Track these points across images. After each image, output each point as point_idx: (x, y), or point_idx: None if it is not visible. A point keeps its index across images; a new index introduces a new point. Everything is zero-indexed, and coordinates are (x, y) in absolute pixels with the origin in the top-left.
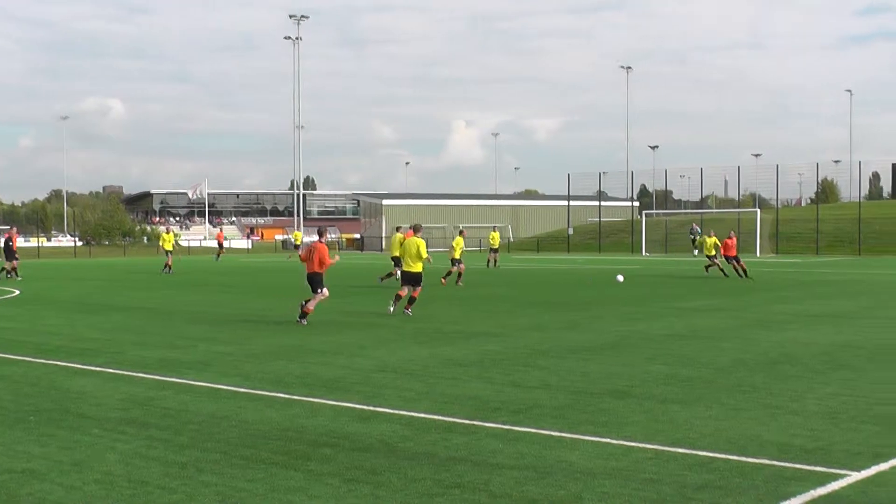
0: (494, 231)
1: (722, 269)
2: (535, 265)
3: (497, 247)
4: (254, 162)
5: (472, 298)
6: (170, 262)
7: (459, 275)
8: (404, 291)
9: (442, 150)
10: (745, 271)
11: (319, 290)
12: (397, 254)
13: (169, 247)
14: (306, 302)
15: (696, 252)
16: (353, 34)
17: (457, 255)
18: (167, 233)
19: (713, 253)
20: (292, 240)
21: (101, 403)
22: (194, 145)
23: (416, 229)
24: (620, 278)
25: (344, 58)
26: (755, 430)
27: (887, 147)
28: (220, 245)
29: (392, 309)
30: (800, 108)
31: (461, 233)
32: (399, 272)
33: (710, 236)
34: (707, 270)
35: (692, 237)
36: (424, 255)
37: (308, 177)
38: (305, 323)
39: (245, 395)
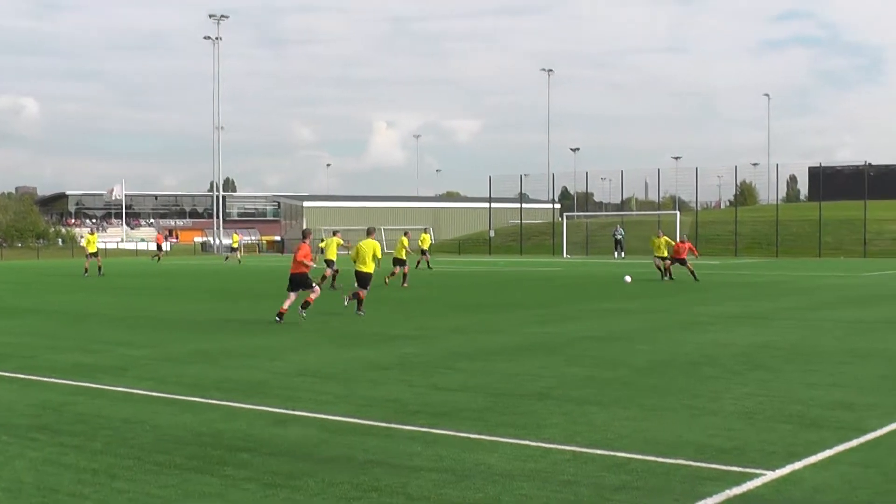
0: (425, 233)
1: (665, 270)
2: (456, 268)
3: (427, 248)
4: (172, 163)
5: (393, 301)
6: (100, 263)
7: (404, 275)
8: (363, 293)
9: (363, 151)
10: (692, 273)
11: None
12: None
13: (93, 248)
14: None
15: (617, 254)
16: (273, 34)
17: (402, 256)
18: (91, 234)
19: (665, 254)
20: (230, 243)
21: (11, 409)
22: (110, 146)
23: (369, 232)
24: (628, 279)
25: (264, 58)
26: (673, 431)
27: (804, 150)
28: (160, 247)
29: (347, 303)
30: (719, 112)
31: (406, 234)
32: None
33: (658, 236)
34: (666, 274)
35: (616, 238)
36: (379, 256)
37: (228, 178)
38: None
39: (161, 400)
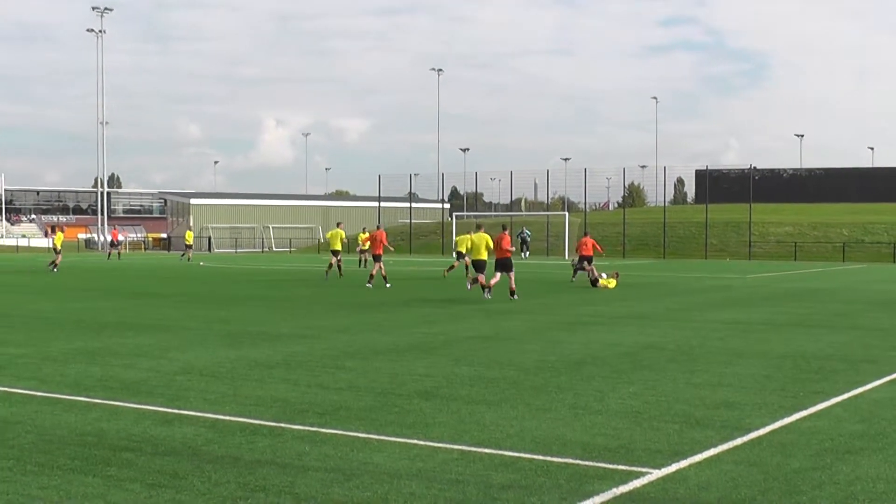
0: (364, 232)
1: (576, 270)
2: (344, 266)
3: (367, 248)
4: (55, 158)
5: (279, 299)
6: (57, 262)
7: (339, 267)
8: (482, 277)
9: (251, 149)
10: (593, 275)
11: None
12: (462, 249)
13: (190, 241)
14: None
15: (523, 254)
16: (159, 29)
17: (337, 247)
18: (60, 230)
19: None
20: (184, 240)
21: None
22: None
23: (478, 227)
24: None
25: (150, 53)
26: (559, 430)
27: (691, 154)
28: (114, 244)
29: (470, 287)
30: (607, 115)
31: (338, 224)
32: (462, 265)
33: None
34: (579, 274)
35: (520, 238)
36: (491, 246)
37: (113, 174)
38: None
39: (41, 399)
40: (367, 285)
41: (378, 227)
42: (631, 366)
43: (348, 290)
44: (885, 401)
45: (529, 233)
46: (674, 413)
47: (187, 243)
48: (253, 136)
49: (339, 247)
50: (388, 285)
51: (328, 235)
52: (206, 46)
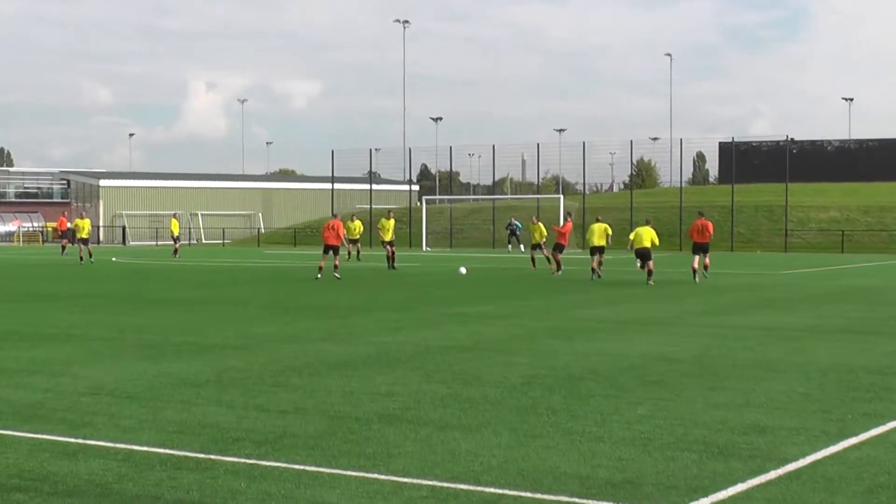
0: (353, 221)
1: (538, 259)
2: (290, 262)
3: (357, 238)
4: None
5: (209, 302)
6: (90, 250)
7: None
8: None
9: (175, 119)
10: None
11: None
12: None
13: (85, 234)
14: None
15: (512, 246)
16: None
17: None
18: (82, 218)
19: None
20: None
21: None
22: None
23: (647, 221)
24: (463, 271)
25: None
26: (552, 461)
27: (712, 122)
28: (63, 234)
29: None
30: (610, 75)
31: (352, 218)
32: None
33: (533, 222)
34: (534, 265)
35: (510, 230)
36: (657, 242)
37: (2, 149)
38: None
39: None
40: (336, 275)
41: (334, 216)
42: (639, 382)
43: (294, 291)
44: None
45: (519, 224)
46: (691, 440)
47: (81, 236)
48: (177, 103)
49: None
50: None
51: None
52: None
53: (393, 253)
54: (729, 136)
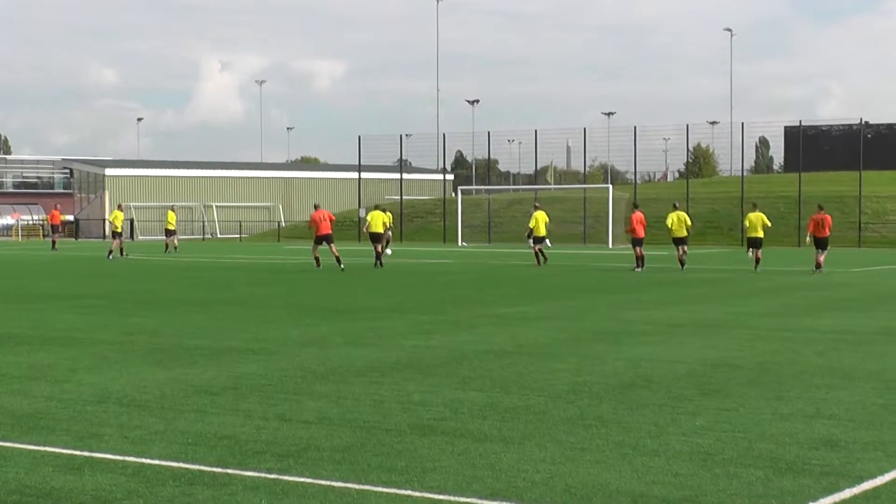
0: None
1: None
2: (312, 259)
3: (385, 231)
4: None
5: (226, 302)
6: (121, 245)
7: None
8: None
9: (187, 102)
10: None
11: None
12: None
13: (119, 226)
14: None
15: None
16: None
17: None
18: (119, 209)
19: (543, 233)
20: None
21: None
22: None
23: (755, 205)
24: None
25: None
26: (602, 476)
27: (777, 104)
28: (55, 228)
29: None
30: (663, 52)
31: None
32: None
33: (536, 208)
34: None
35: None
36: (769, 224)
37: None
38: None
39: None
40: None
41: (317, 207)
42: (697, 390)
43: (318, 290)
44: None
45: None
46: (755, 454)
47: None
48: (189, 85)
49: (380, 230)
50: (318, 267)
51: (368, 218)
52: None
53: (383, 247)
54: (796, 119)
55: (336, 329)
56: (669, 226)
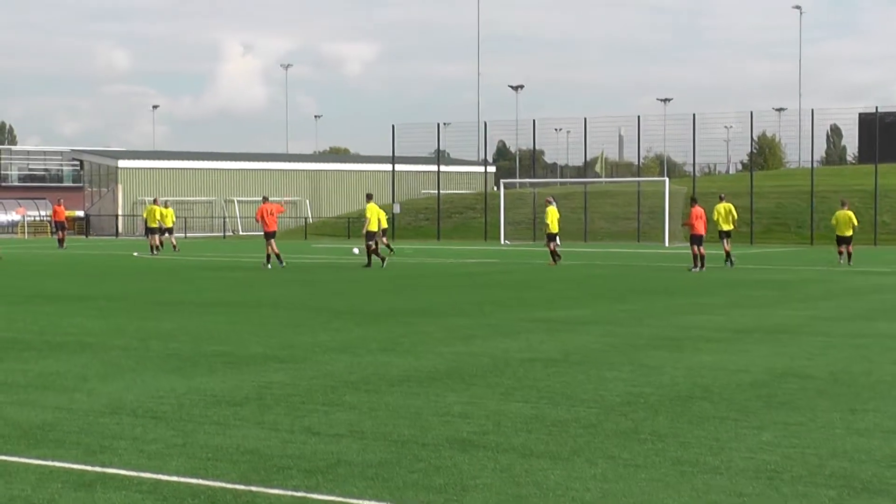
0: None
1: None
2: (342, 258)
3: (385, 227)
4: None
5: (249, 305)
6: (173, 241)
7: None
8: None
9: (206, 88)
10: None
11: None
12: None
13: (170, 222)
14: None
15: None
16: None
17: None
18: (165, 206)
19: (556, 230)
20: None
21: None
22: None
23: (843, 203)
24: (356, 251)
25: None
26: (659, 495)
27: (850, 88)
28: (61, 225)
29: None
30: (723, 33)
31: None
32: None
33: (548, 202)
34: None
35: None
36: (856, 223)
37: (3, 124)
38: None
39: None
40: (266, 266)
41: (265, 199)
42: (763, 402)
43: (348, 292)
44: None
45: None
46: (828, 472)
47: (167, 226)
48: (209, 69)
49: (374, 227)
50: (267, 266)
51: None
52: None
53: (377, 244)
54: (871, 105)
55: (369, 334)
56: (715, 219)
